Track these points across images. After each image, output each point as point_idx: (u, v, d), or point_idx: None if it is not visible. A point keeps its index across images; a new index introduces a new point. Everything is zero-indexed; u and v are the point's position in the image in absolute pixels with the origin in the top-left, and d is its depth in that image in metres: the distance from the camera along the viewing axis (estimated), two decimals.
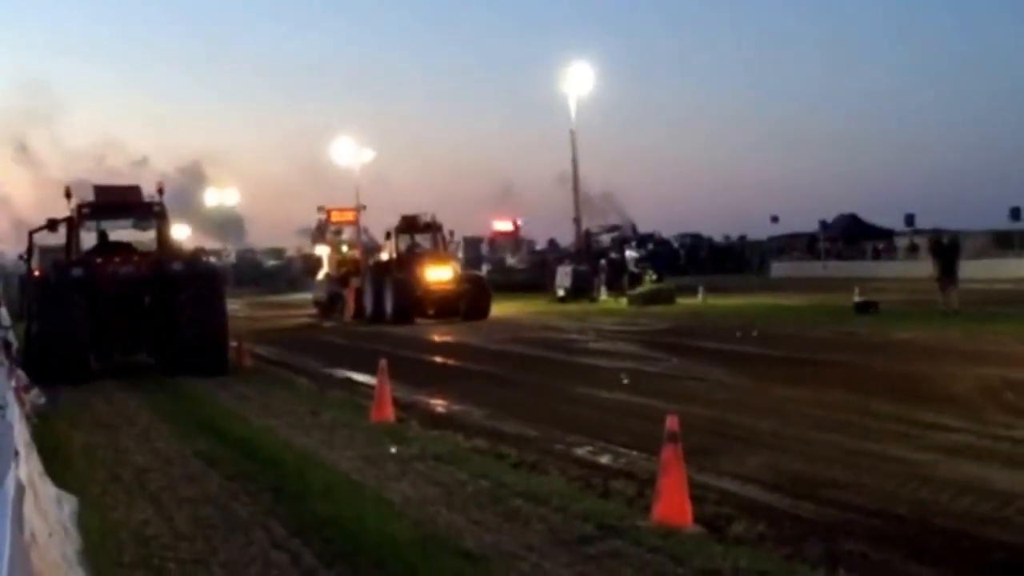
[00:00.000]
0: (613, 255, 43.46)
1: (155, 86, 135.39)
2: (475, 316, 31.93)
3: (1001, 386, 13.50)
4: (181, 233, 41.08)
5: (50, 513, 6.32)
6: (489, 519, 7.82)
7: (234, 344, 20.45)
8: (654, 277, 38.84)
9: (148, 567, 6.91)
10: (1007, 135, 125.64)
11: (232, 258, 73.12)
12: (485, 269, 49.52)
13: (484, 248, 62.57)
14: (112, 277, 19.27)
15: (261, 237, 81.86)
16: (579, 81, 45.71)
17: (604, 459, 10.14)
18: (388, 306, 32.42)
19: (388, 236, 35.46)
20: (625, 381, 15.61)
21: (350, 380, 17.74)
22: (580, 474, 9.24)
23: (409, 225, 35.34)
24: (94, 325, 18.47)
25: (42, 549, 4.91)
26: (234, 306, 27.56)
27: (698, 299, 35.93)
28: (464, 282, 33.55)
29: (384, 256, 35.64)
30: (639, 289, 37.18)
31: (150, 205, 20.57)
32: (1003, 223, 54.29)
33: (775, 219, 68.55)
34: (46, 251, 22.99)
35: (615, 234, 46.29)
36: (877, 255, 60.55)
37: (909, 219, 62.21)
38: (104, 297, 18.82)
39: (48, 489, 7.29)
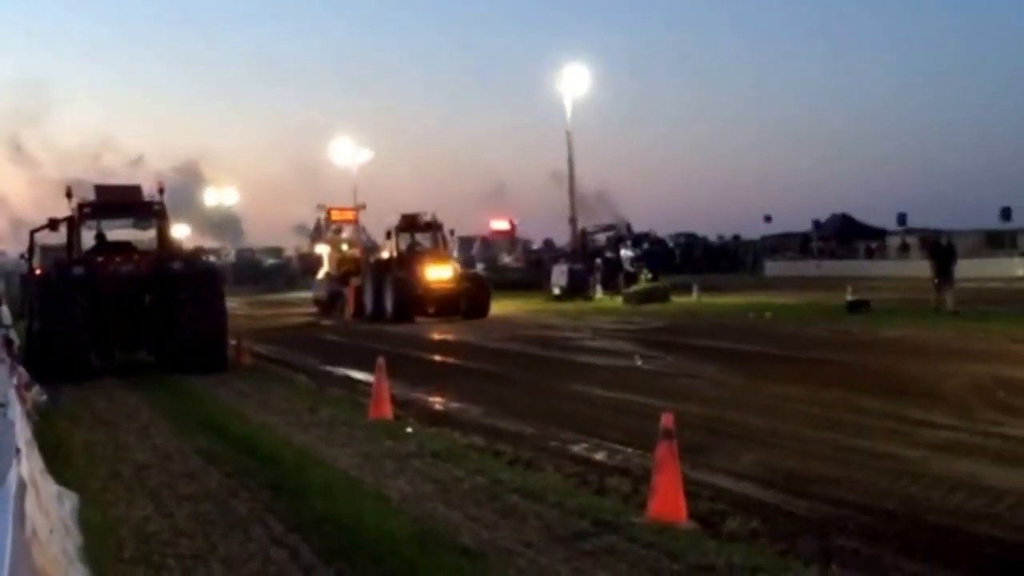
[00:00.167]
0: (608, 254, 43.50)
1: (151, 85, 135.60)
2: (475, 315, 32.02)
3: (992, 384, 13.59)
4: (180, 232, 41.19)
5: (51, 509, 6.36)
6: (486, 515, 7.89)
7: (233, 342, 20.53)
8: (649, 276, 38.96)
9: (148, 563, 6.96)
10: (999, 136, 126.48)
11: (231, 257, 73.22)
12: (479, 268, 49.59)
13: (476, 247, 62.59)
14: (113, 276, 19.35)
15: (257, 236, 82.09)
16: (575, 82, 45.86)
17: (599, 456, 10.21)
18: (388, 305, 32.48)
19: (388, 235, 35.50)
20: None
21: (349, 378, 17.80)
22: (576, 471, 9.32)
23: (409, 224, 35.39)
24: (95, 323, 18.56)
25: (43, 545, 4.94)
26: (233, 304, 27.55)
27: (693, 298, 36.13)
28: (464, 281, 33.67)
29: (384, 255, 35.72)
30: (634, 288, 37.31)
31: (151, 205, 20.65)
32: (994, 223, 54.81)
33: (769, 219, 69.10)
34: (47, 250, 23.08)
35: (611, 233, 46.24)
36: (869, 254, 60.78)
37: (901, 219, 62.81)
38: (105, 296, 18.90)
39: (49, 486, 7.34)
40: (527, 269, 54.19)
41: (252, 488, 9.09)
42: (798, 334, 22.63)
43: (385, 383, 12.92)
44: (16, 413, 7.66)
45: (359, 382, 16.62)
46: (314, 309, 39.83)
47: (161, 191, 20.74)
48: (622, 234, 46.10)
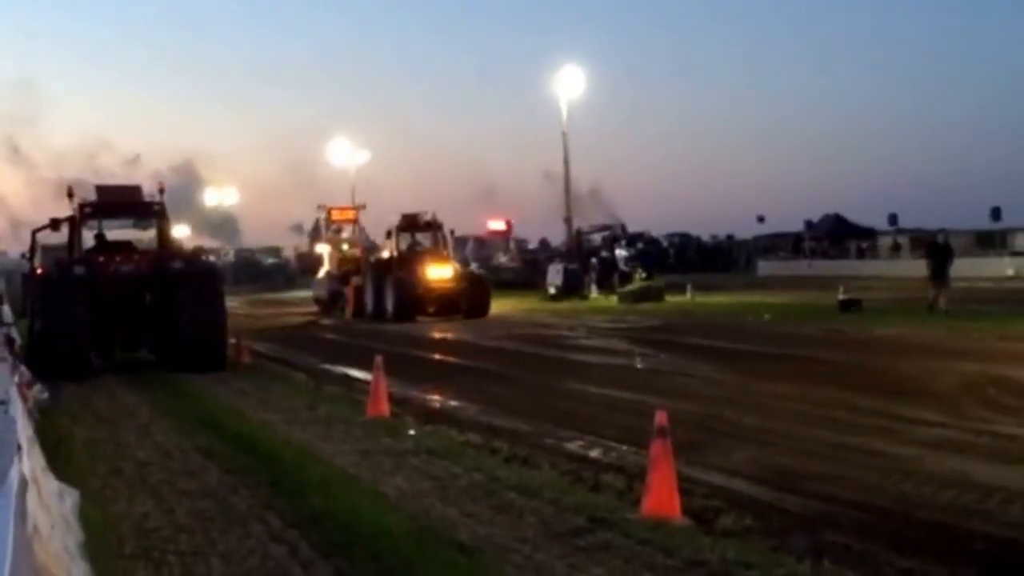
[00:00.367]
0: (603, 254, 43.67)
1: (148, 85, 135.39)
2: (476, 314, 32.09)
3: (982, 382, 13.67)
4: (181, 233, 41.23)
5: (52, 506, 6.38)
6: (482, 512, 7.95)
7: (233, 341, 20.59)
8: (644, 275, 39.15)
9: (148, 559, 7.01)
10: (989, 137, 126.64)
11: (231, 257, 73.25)
12: (474, 267, 49.68)
13: (469, 247, 62.67)
14: (113, 275, 19.44)
15: (254, 236, 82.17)
16: (570, 84, 46.00)
17: (595, 453, 10.28)
18: (389, 304, 32.54)
19: (389, 235, 35.55)
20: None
21: (347, 376, 17.85)
22: (571, 468, 9.37)
23: (410, 224, 35.44)
24: (96, 322, 18.64)
25: (45, 541, 4.97)
26: (233, 304, 27.62)
27: (687, 297, 36.35)
28: (464, 280, 33.76)
29: (385, 254, 35.78)
30: (629, 287, 37.49)
31: (151, 205, 20.75)
32: (984, 223, 55.07)
33: (761, 219, 69.72)
34: (48, 250, 23.14)
35: (605, 233, 46.42)
36: (861, 254, 61.01)
37: (892, 219, 63.24)
38: (105, 295, 18.98)
39: (50, 483, 7.37)
40: (523, 269, 54.26)
41: (251, 485, 9.14)
42: (791, 333, 22.70)
43: (383, 381, 12.98)
44: (18, 411, 7.72)
45: (357, 380, 16.67)
46: (313, 308, 39.90)
47: (161, 191, 20.83)
48: (617, 234, 46.30)
